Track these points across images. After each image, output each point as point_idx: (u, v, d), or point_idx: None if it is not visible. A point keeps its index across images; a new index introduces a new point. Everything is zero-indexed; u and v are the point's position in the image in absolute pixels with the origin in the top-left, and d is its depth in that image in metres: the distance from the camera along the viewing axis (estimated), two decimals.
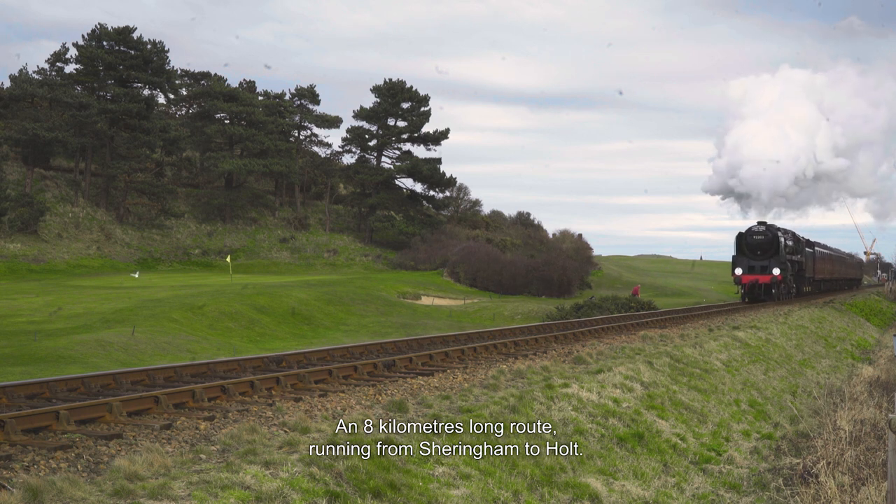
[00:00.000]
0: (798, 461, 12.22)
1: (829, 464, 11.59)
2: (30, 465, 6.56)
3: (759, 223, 40.13)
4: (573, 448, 9.95)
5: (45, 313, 29.32)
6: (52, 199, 60.20)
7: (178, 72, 71.97)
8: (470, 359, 14.29)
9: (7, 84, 63.64)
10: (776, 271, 38.72)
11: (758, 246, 39.22)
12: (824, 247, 59.83)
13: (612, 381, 12.74)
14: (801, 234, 55.72)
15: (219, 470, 6.27)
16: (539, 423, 10.05)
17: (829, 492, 10.40)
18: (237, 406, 9.21)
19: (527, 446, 9.25)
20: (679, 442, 11.99)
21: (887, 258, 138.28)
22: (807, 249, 47.63)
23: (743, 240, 39.81)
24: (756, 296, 39.41)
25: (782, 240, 40.04)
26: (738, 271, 39.29)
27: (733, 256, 40.40)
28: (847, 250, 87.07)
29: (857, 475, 11.36)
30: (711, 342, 19.66)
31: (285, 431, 7.94)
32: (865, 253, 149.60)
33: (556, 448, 9.68)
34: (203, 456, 6.93)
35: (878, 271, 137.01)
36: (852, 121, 49.42)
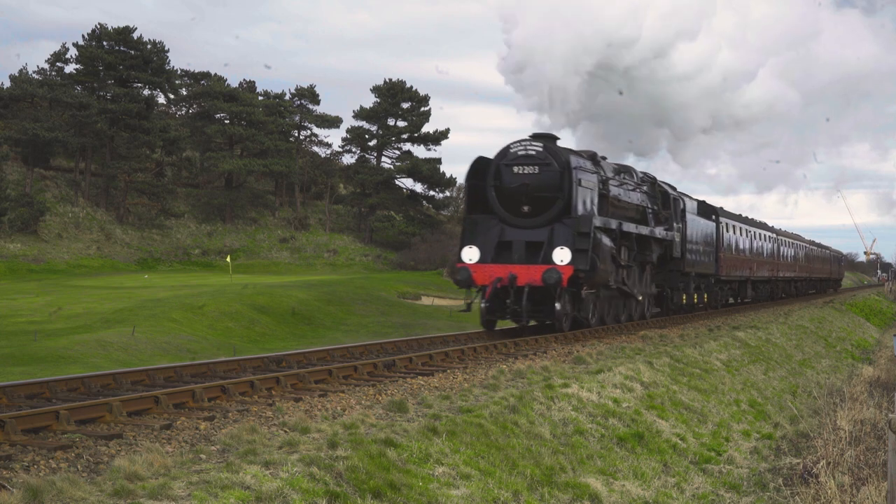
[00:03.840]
0: (798, 461, 12.22)
1: (829, 464, 11.59)
2: (30, 465, 6.56)
3: (534, 136, 18.34)
4: (573, 448, 9.94)
5: (45, 313, 29.32)
6: (52, 199, 60.19)
7: (178, 72, 71.96)
8: (470, 359, 14.29)
9: (7, 84, 63.71)
10: (561, 256, 17.31)
11: (523, 192, 17.92)
12: (750, 223, 37.48)
13: (612, 381, 12.74)
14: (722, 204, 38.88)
15: (219, 470, 6.27)
16: (539, 423, 10.05)
17: (829, 492, 10.40)
18: (237, 406, 9.21)
19: (527, 446, 9.25)
20: (679, 442, 11.99)
21: (887, 258, 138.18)
22: (695, 220, 26.75)
23: (490, 174, 18.24)
24: (516, 315, 17.80)
25: (590, 179, 18.67)
26: (469, 255, 17.94)
27: (464, 221, 18.91)
28: (813, 239, 59.05)
29: (857, 475, 11.36)
30: (711, 342, 19.66)
31: (285, 431, 7.94)
32: (865, 253, 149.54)
33: (555, 448, 9.67)
34: (203, 456, 6.93)
35: (879, 271, 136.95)
36: None
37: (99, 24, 64.83)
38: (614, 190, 20.48)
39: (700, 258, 27.77)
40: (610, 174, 20.48)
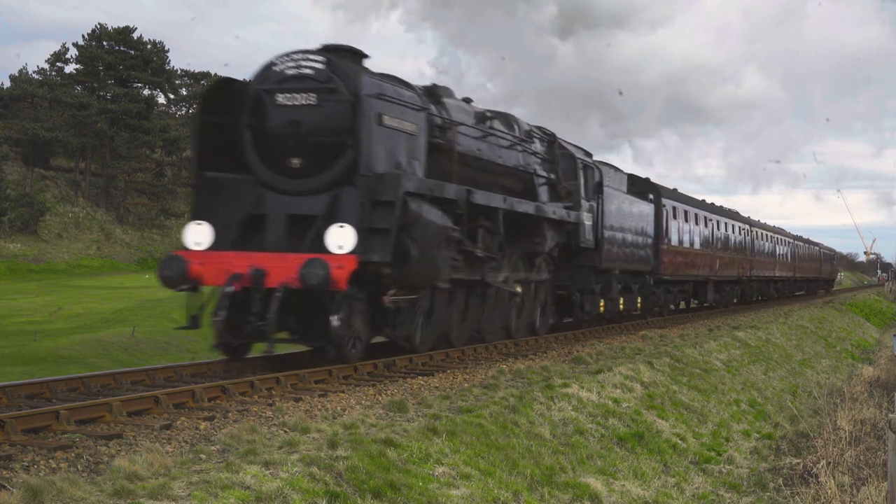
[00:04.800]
0: (798, 461, 12.23)
1: (829, 464, 11.60)
2: (30, 465, 6.56)
3: (323, 48, 12.06)
4: (573, 448, 9.95)
5: (45, 313, 29.31)
6: (52, 199, 60.18)
7: (178, 72, 71.93)
8: (470, 359, 14.29)
9: (7, 84, 63.69)
10: (340, 239, 10.97)
11: (293, 136, 11.64)
12: (711, 210, 31.30)
13: (611, 381, 12.75)
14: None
15: (219, 470, 6.27)
16: (539, 423, 10.06)
17: (829, 492, 10.41)
18: (237, 406, 9.21)
19: (527, 446, 9.26)
20: (679, 442, 12.00)
21: (887, 258, 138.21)
22: (620, 198, 21.17)
23: (245, 109, 11.94)
24: (261, 336, 11.05)
25: (404, 117, 12.23)
26: (195, 237, 11.61)
27: (196, 183, 12.21)
28: (796, 234, 52.99)
29: (857, 475, 11.37)
30: (711, 342, 19.67)
31: (285, 431, 7.94)
32: (865, 253, 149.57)
33: (556, 448, 9.68)
34: (203, 456, 6.94)
35: (879, 271, 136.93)
36: None
37: (99, 24, 64.90)
38: (467, 142, 14.14)
39: (628, 250, 21.40)
40: (462, 117, 14.18)
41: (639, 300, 23.54)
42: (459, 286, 13.85)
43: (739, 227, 35.68)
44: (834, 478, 10.92)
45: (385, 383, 11.21)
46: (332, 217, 11.27)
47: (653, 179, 26.36)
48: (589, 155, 20.00)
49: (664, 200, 25.22)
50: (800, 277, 51.82)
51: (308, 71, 11.72)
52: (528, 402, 10.41)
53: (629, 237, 21.59)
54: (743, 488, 11.15)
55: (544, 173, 17.40)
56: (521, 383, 11.78)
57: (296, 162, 11.68)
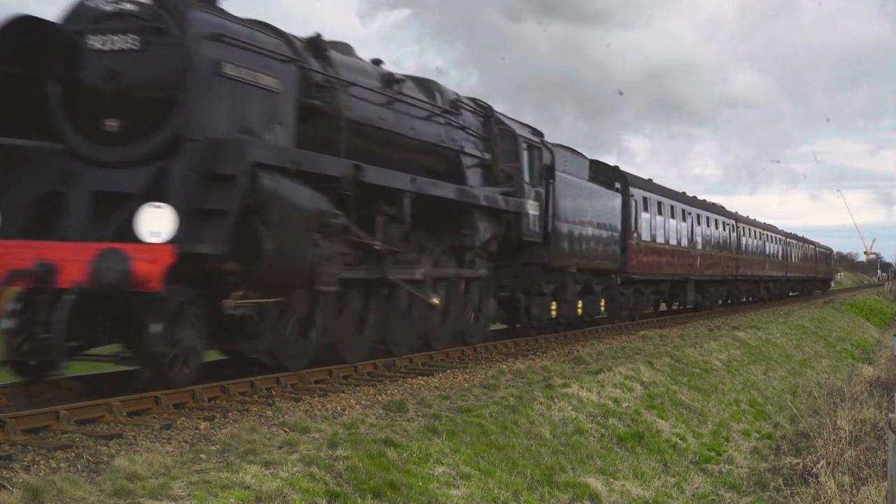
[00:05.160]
0: (798, 461, 12.23)
1: (829, 464, 11.61)
2: (30, 465, 6.57)
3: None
4: (573, 448, 9.95)
5: None
6: None
7: None
8: (470, 359, 14.30)
9: None
10: (155, 224, 8.31)
11: (108, 90, 8.93)
12: (691, 202, 29.02)
13: (611, 380, 12.76)
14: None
15: (219, 470, 6.27)
16: (539, 423, 10.06)
17: (829, 492, 10.41)
18: (237, 406, 9.21)
19: (527, 446, 9.26)
20: (679, 442, 12.00)
21: (887, 258, 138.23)
22: (577, 185, 18.66)
23: (53, 56, 9.16)
24: (42, 352, 8.37)
25: (259, 68, 9.46)
26: None
27: None
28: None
29: (857, 475, 11.38)
30: (711, 342, 19.68)
31: (285, 431, 7.95)
32: (865, 253, 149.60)
33: (555, 448, 9.68)
34: (203, 456, 6.94)
35: (879, 271, 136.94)
36: None
37: None
38: (363, 108, 11.56)
39: (589, 246, 18.85)
40: (357, 78, 11.62)
41: (602, 303, 20.83)
42: (353, 287, 11.32)
43: (724, 223, 33.49)
44: (834, 478, 10.92)
45: (385, 383, 11.21)
46: (152, 195, 8.61)
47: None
48: (538, 134, 17.14)
49: (633, 190, 22.56)
50: (792, 277, 49.62)
51: (130, 6, 9.12)
52: (528, 401, 10.42)
53: (590, 231, 18.97)
54: (743, 488, 11.15)
55: (476, 152, 14.43)
56: (521, 383, 11.78)
57: (112, 124, 9.02)
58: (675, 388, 14.43)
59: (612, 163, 25.10)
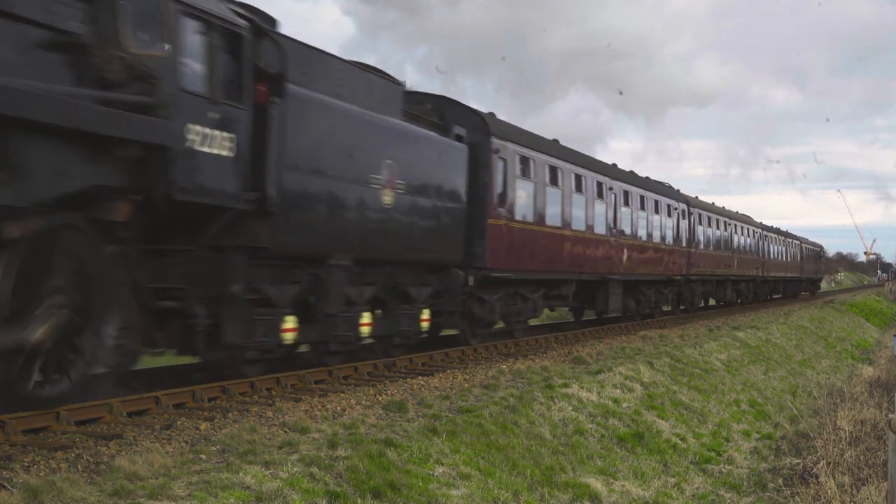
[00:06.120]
0: (798, 461, 12.24)
1: (829, 464, 11.61)
2: (30, 465, 6.56)
3: None
4: (573, 448, 9.95)
5: None
6: None
7: None
8: (470, 359, 14.30)
9: None
10: None
11: None
12: (615, 176, 21.73)
13: (611, 381, 12.76)
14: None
15: (219, 470, 6.27)
16: (539, 424, 10.06)
17: (829, 492, 10.42)
18: (237, 406, 9.21)
19: (527, 446, 9.26)
20: (679, 442, 12.00)
21: (887, 258, 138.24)
22: (315, 101, 10.28)
23: None
24: None
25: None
26: None
27: None
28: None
29: (857, 475, 11.38)
30: (711, 342, 19.68)
31: (285, 431, 7.94)
32: (866, 253, 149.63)
33: (555, 448, 9.68)
34: (203, 456, 6.94)
35: (879, 271, 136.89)
36: None
37: None
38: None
39: (407, 223, 12.55)
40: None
41: (424, 315, 13.39)
42: None
43: (670, 206, 25.75)
44: (834, 478, 10.93)
45: (385, 383, 11.21)
46: None
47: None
48: (257, 15, 10.11)
49: (499, 142, 15.00)
50: (771, 277, 42.41)
51: None
52: (528, 402, 10.42)
53: (406, 199, 12.41)
54: (743, 488, 11.15)
55: (38, 13, 7.42)
56: (521, 383, 11.78)
57: None
58: (675, 388, 14.43)
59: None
